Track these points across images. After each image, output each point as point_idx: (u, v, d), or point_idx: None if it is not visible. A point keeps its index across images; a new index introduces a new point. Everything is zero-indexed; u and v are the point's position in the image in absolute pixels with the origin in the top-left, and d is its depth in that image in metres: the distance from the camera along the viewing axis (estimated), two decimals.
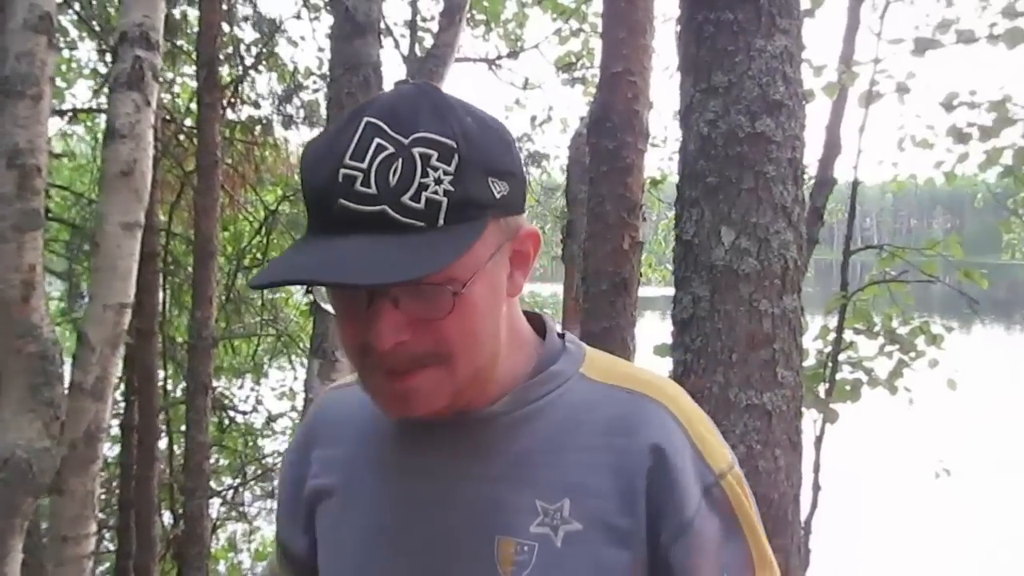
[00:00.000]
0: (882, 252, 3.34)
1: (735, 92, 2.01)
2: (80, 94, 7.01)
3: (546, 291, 12.49)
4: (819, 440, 3.20)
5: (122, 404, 5.70)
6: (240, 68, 5.85)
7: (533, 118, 7.75)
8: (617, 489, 0.81)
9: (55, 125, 6.65)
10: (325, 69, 5.93)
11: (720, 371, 2.00)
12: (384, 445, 0.90)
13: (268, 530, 7.60)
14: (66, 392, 3.17)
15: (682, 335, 2.09)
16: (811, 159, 4.37)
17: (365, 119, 0.75)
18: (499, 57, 6.90)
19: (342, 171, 0.73)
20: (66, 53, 6.58)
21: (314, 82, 6.26)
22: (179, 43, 6.17)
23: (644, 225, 3.11)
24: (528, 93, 7.79)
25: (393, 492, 0.88)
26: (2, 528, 2.90)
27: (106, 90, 4.90)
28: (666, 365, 2.40)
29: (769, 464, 1.98)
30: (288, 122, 6.16)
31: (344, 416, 0.94)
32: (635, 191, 3.00)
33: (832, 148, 3.95)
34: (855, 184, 3.32)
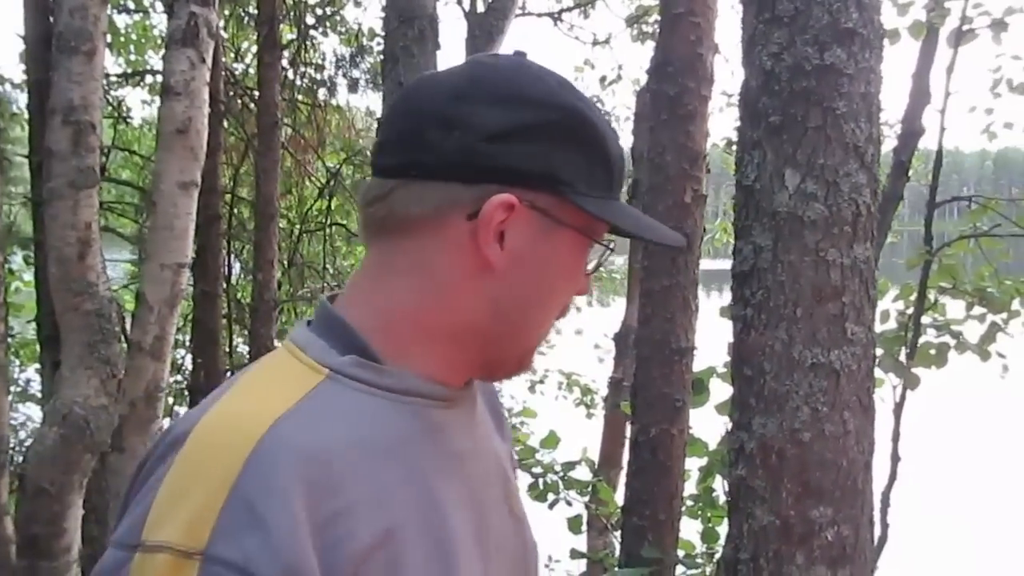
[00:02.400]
0: (971, 204, 3.09)
1: (802, 21, 1.83)
2: (155, 62, 7.12)
3: (619, 261, 12.29)
4: (899, 407, 3.00)
5: (189, 366, 5.81)
6: (303, 28, 5.81)
7: (603, 78, 7.53)
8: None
9: (128, 91, 6.76)
10: None
11: (783, 327, 1.84)
12: (409, 451, 0.76)
13: None
14: (125, 351, 3.20)
15: (742, 288, 1.93)
16: (897, 110, 4.09)
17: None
18: (564, 11, 6.68)
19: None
20: (138, 17, 6.66)
21: (378, 43, 6.18)
22: (248, 8, 6.17)
23: (709, 178, 2.94)
24: (597, 52, 7.58)
25: (452, 493, 0.78)
26: (62, 483, 2.95)
27: None
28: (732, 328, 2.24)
29: (837, 428, 1.82)
30: (354, 85, 6.11)
31: (334, 445, 0.70)
32: (698, 140, 2.82)
33: (920, 97, 3.67)
34: (942, 130, 3.06)
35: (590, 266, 0.85)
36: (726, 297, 2.08)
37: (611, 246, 0.84)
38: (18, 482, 3.23)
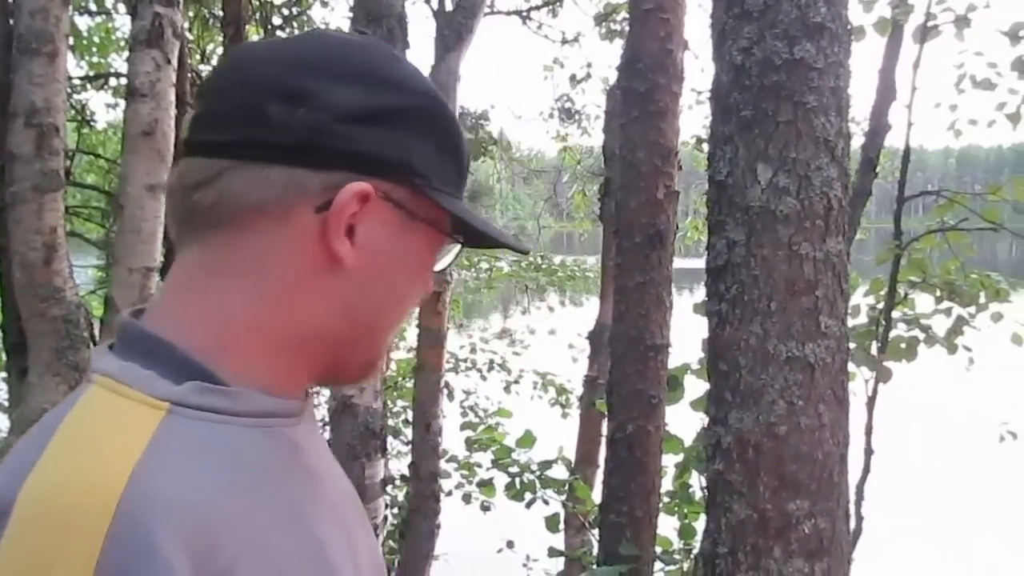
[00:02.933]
0: (939, 199, 3.12)
1: (771, 15, 1.83)
2: (119, 65, 7.01)
3: (592, 260, 12.33)
4: (872, 401, 3.02)
5: None
6: (269, 28, 5.76)
7: (573, 76, 7.54)
8: None
9: (93, 93, 6.65)
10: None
11: (758, 321, 1.84)
12: (276, 483, 0.67)
13: None
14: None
15: (716, 284, 1.93)
16: (864, 106, 4.13)
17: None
18: (532, 9, 6.68)
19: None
20: (100, 19, 6.56)
21: None
22: (213, 10, 6.11)
23: (680, 174, 2.94)
24: (567, 51, 7.58)
25: (323, 519, 0.71)
26: None
27: None
28: (706, 324, 2.25)
29: (812, 421, 1.83)
30: None
31: (203, 494, 0.59)
32: (669, 137, 2.83)
33: (886, 93, 3.70)
34: (909, 125, 3.10)
35: (438, 265, 0.78)
36: (698, 295, 2.08)
37: (462, 243, 0.77)
38: None
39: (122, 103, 7.51)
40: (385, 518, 3.36)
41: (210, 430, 0.63)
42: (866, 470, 3.08)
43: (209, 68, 6.79)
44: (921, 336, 3.38)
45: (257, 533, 0.61)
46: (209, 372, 0.65)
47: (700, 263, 2.00)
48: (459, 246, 0.78)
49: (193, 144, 0.69)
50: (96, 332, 3.40)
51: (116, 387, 0.62)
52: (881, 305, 3.15)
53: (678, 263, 3.42)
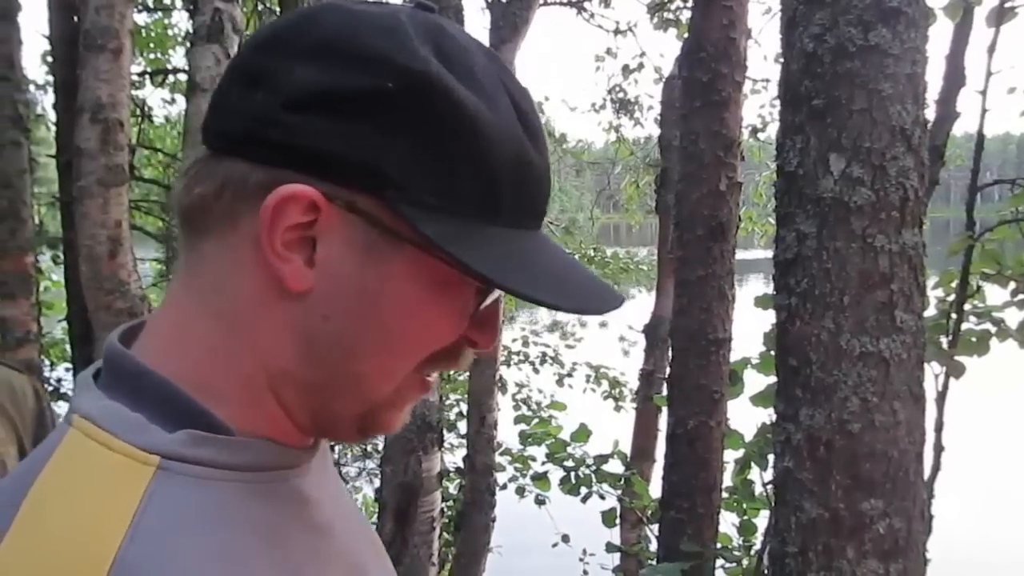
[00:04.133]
0: (1015, 188, 3.02)
1: (844, 1, 1.78)
2: (176, 61, 7.15)
3: (643, 253, 12.22)
4: (942, 396, 2.93)
5: None
6: None
7: (625, 67, 7.47)
8: None
9: (152, 90, 6.78)
10: None
11: (830, 316, 1.80)
12: (280, 548, 0.57)
13: (368, 490, 7.72)
14: None
15: (786, 277, 1.89)
16: (931, 93, 4.00)
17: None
18: None
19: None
20: (158, 16, 6.67)
21: None
22: (269, 3, 6.17)
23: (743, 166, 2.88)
24: (619, 41, 7.51)
25: None
26: None
27: None
28: (768, 317, 2.20)
29: (887, 418, 1.78)
30: None
31: (201, 573, 0.51)
32: (732, 127, 2.77)
33: (955, 79, 3.58)
34: (983, 111, 2.98)
35: (484, 303, 0.60)
36: (753, 287, 2.03)
37: (478, 284, 0.58)
38: None
39: (180, 99, 7.66)
40: (441, 511, 3.37)
41: (203, 493, 0.53)
42: (936, 467, 2.99)
43: None
44: (993, 329, 3.27)
45: None
46: (207, 413, 0.55)
47: (754, 254, 1.96)
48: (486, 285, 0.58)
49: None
50: None
51: (99, 435, 0.52)
52: (952, 298, 3.05)
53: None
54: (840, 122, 1.78)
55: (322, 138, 0.53)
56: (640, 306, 6.87)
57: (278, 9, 5.56)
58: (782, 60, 1.96)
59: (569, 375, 8.45)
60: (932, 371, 2.98)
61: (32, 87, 6.00)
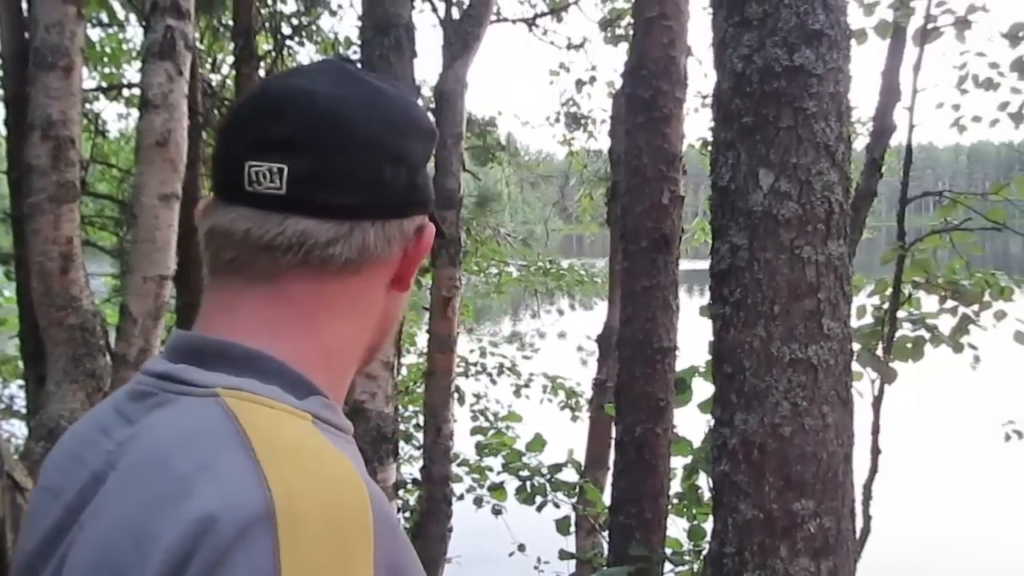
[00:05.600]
0: (942, 199, 3.14)
1: (771, 23, 1.87)
2: (130, 75, 7.11)
3: (602, 263, 12.34)
4: (878, 401, 3.05)
5: None
6: (279, 38, 5.82)
7: (578, 81, 7.59)
8: None
9: (107, 105, 6.73)
10: None
11: (761, 324, 1.88)
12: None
13: None
14: (110, 364, 3.20)
15: (720, 287, 1.97)
16: (868, 107, 4.14)
17: None
18: (538, 16, 6.72)
19: None
20: (112, 30, 6.63)
21: (354, 51, 6.21)
22: (223, 19, 6.18)
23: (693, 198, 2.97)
24: (572, 56, 7.63)
25: None
26: None
27: None
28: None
29: (816, 422, 1.86)
30: None
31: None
32: (674, 142, 2.86)
33: (890, 94, 3.73)
34: (911, 127, 3.12)
35: None
36: (706, 296, 2.11)
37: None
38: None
39: (134, 113, 7.61)
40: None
41: (337, 441, 0.68)
42: (874, 470, 3.10)
43: (219, 77, 6.86)
44: (927, 336, 3.40)
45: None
46: (319, 390, 0.71)
47: (708, 264, 2.03)
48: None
49: (315, 204, 0.71)
50: (111, 341, 3.45)
51: (260, 400, 0.66)
52: (886, 306, 3.17)
53: (686, 265, 3.45)
54: (768, 139, 1.87)
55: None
56: (599, 317, 6.96)
57: (231, 23, 5.57)
58: (715, 80, 2.04)
59: (526, 385, 8.52)
60: (868, 376, 3.10)
61: None
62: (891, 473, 3.51)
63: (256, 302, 0.72)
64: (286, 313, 0.72)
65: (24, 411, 5.34)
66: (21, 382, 6.06)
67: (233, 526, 0.55)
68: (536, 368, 8.88)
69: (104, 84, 6.94)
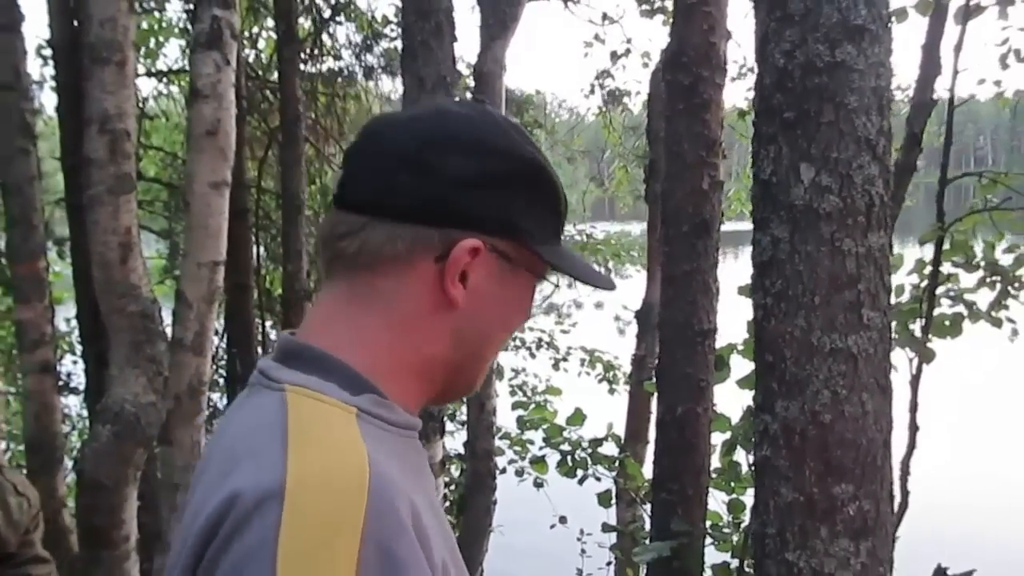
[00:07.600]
0: (981, 179, 3.14)
1: (813, 19, 1.90)
2: (171, 54, 7.18)
3: (636, 230, 12.31)
4: (916, 379, 3.08)
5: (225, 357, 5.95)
6: (318, 19, 5.86)
7: (613, 53, 7.55)
8: None
9: (148, 86, 6.82)
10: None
11: (802, 315, 1.92)
12: (426, 485, 0.85)
13: None
14: (167, 348, 3.32)
15: (762, 278, 2.02)
16: (908, 81, 4.11)
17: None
18: None
19: None
20: (156, 14, 6.72)
21: (391, 30, 6.24)
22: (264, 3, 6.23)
23: (727, 161, 3.00)
24: (607, 28, 7.58)
25: (445, 522, 0.86)
26: (117, 477, 3.09)
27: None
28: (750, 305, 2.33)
29: (856, 409, 1.91)
30: (369, 72, 6.16)
31: (405, 482, 0.75)
32: (713, 128, 2.89)
33: (930, 68, 3.69)
34: (951, 109, 3.10)
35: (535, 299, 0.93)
36: (744, 259, 2.14)
37: (556, 284, 0.95)
38: (76, 477, 3.36)
39: (175, 91, 7.71)
40: (445, 495, 3.51)
41: (385, 437, 0.78)
42: (911, 446, 3.14)
43: (254, 53, 6.91)
44: (965, 312, 3.41)
45: (429, 521, 0.74)
46: (375, 387, 0.80)
47: (745, 225, 2.07)
48: (555, 286, 0.95)
49: (340, 198, 0.85)
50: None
51: (315, 395, 0.76)
52: (925, 284, 3.19)
53: (727, 226, 3.44)
54: (810, 134, 1.91)
55: (481, 207, 0.82)
56: (635, 285, 6.98)
57: (271, 4, 5.62)
58: (757, 73, 2.08)
59: (564, 359, 8.59)
60: (907, 355, 3.13)
61: (34, 86, 6.04)
62: (929, 450, 3.55)
63: (323, 300, 0.86)
64: (331, 310, 0.84)
65: (81, 389, 5.53)
66: (75, 359, 6.25)
67: (252, 500, 0.66)
68: (574, 341, 8.96)
69: (145, 69, 7.04)
